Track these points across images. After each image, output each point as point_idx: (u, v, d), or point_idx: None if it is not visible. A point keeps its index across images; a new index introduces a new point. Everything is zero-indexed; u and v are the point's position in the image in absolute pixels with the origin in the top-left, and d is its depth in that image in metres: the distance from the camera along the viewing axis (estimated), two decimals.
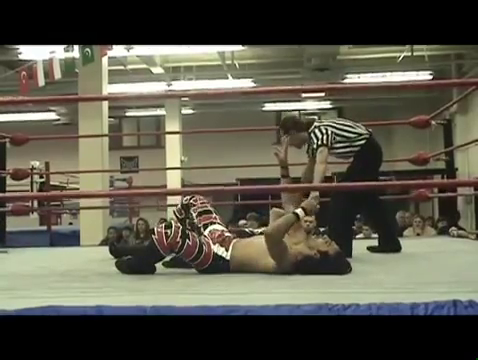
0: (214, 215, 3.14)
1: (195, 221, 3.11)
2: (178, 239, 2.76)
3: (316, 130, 3.72)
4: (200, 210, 3.14)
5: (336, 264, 2.73)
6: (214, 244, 2.89)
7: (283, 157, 3.22)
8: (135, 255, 3.03)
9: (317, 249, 2.76)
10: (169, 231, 2.76)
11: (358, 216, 7.67)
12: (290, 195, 3.09)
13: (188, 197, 3.20)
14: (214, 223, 3.09)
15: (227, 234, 3.00)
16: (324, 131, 3.69)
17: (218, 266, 2.84)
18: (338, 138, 3.73)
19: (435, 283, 2.35)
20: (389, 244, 3.91)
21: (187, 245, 2.77)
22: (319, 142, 3.67)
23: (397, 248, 3.90)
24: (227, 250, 2.87)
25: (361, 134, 3.77)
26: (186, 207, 3.19)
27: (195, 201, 3.17)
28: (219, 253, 2.86)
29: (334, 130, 3.73)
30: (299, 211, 2.83)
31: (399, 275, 2.68)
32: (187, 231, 2.85)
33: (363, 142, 3.75)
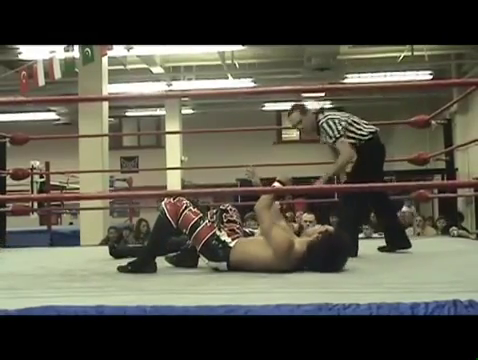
0: (238, 225, 3.16)
1: (221, 226, 3.13)
2: (184, 202, 2.97)
3: (329, 121, 3.71)
4: (230, 218, 3.17)
5: (341, 240, 2.81)
6: (220, 231, 2.96)
7: (257, 180, 3.26)
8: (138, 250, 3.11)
9: (317, 233, 2.80)
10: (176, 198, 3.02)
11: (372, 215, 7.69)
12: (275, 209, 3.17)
13: (227, 205, 3.24)
14: (234, 230, 3.12)
15: (238, 233, 3.06)
16: (337, 122, 3.70)
17: (217, 249, 2.88)
18: (347, 133, 3.74)
19: (435, 283, 2.34)
20: (399, 242, 3.91)
21: (189, 210, 2.96)
22: (336, 133, 3.68)
23: (407, 245, 3.89)
24: (233, 240, 2.92)
25: (365, 132, 3.78)
26: (221, 212, 3.21)
27: (230, 210, 3.21)
28: (222, 238, 2.92)
29: (346, 124, 3.74)
30: (276, 184, 2.98)
31: (399, 275, 2.68)
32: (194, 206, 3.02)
33: (367, 140, 3.76)
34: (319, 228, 2.90)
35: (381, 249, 3.96)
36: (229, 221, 3.14)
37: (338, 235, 2.86)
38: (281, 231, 2.82)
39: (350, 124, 3.76)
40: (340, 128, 3.69)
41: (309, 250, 2.76)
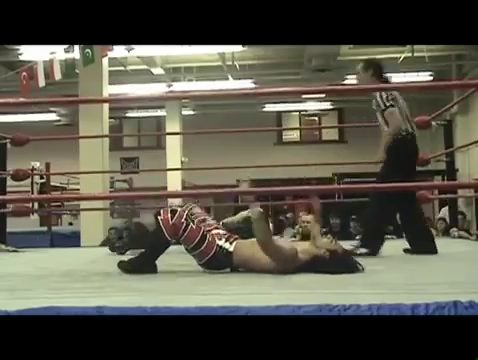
0: (214, 224, 3.11)
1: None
2: (183, 220, 2.83)
3: (387, 93, 3.75)
4: (201, 218, 3.11)
5: (346, 263, 2.74)
6: (219, 240, 2.91)
7: None
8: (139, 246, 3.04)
9: (326, 248, 2.77)
10: (174, 213, 2.84)
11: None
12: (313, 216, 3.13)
13: (187, 207, 3.15)
14: (218, 228, 3.09)
15: (233, 235, 3.01)
16: (390, 97, 3.73)
17: (221, 259, 2.85)
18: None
19: (436, 284, 2.34)
20: (426, 245, 3.83)
21: (191, 228, 2.83)
22: (386, 102, 3.72)
23: (434, 250, 3.80)
24: (231, 244, 2.88)
25: (407, 127, 3.80)
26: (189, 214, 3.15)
27: (192, 212, 3.13)
28: (223, 246, 2.87)
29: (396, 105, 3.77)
30: (253, 211, 2.75)
31: (400, 275, 2.68)
32: (192, 217, 2.90)
33: (401, 136, 3.77)
34: (328, 243, 2.82)
35: (406, 250, 3.89)
36: (201, 221, 3.04)
37: (345, 258, 2.79)
38: (285, 248, 2.75)
39: (400, 107, 3.81)
40: (391, 101, 3.72)
41: (312, 262, 2.76)
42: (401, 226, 4.13)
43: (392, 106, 3.70)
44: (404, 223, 4.01)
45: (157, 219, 2.87)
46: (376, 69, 3.88)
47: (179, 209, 2.92)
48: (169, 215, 2.84)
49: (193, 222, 2.88)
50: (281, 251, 2.72)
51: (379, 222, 3.76)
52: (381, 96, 3.72)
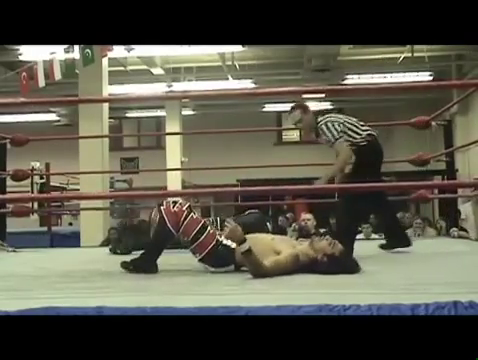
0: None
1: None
2: (184, 208, 2.89)
3: (328, 123, 3.73)
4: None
5: (345, 265, 2.74)
6: (219, 236, 2.94)
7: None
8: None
9: (323, 252, 2.76)
10: (176, 203, 2.92)
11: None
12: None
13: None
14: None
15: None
16: (336, 124, 3.73)
17: (223, 255, 2.86)
18: (345, 136, 3.74)
19: (436, 284, 2.34)
20: (399, 240, 4.00)
21: (191, 217, 2.89)
22: (335, 134, 3.70)
23: (407, 243, 3.99)
24: (232, 241, 2.88)
25: (363, 135, 3.78)
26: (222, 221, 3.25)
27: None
28: (224, 242, 2.89)
29: (344, 128, 3.75)
30: (240, 248, 2.63)
31: (400, 275, 2.68)
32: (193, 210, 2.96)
33: (365, 143, 3.76)
34: (327, 246, 2.80)
35: (382, 246, 4.03)
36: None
37: (343, 260, 2.77)
38: (283, 262, 2.73)
39: (348, 128, 3.77)
40: (339, 129, 3.71)
41: (311, 265, 2.77)
42: (375, 225, 4.25)
43: (340, 137, 3.70)
44: (377, 222, 4.17)
45: (160, 209, 2.92)
46: (306, 109, 3.90)
47: (181, 200, 2.98)
48: (171, 204, 2.91)
49: (194, 213, 2.93)
50: (279, 266, 2.71)
51: (349, 222, 3.78)
52: (328, 129, 3.72)
